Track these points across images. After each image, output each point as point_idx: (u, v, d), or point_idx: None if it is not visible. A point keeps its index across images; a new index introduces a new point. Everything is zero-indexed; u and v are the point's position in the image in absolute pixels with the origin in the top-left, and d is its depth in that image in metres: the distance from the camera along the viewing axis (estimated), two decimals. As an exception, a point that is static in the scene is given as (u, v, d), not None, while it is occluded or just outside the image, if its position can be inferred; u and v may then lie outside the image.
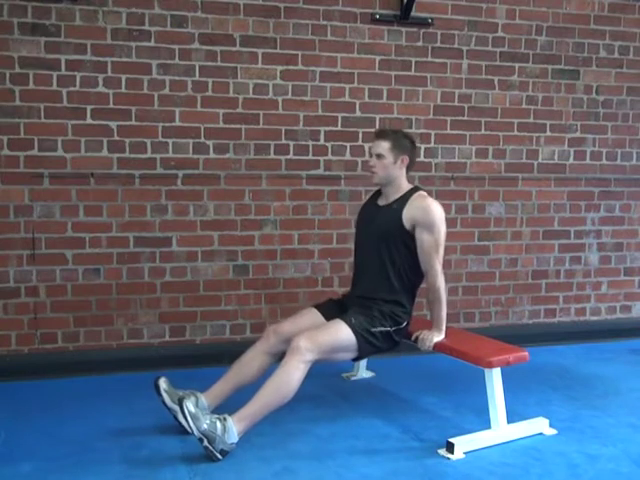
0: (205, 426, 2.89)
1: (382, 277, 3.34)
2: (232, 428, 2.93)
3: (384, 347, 3.35)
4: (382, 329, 3.28)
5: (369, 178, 3.48)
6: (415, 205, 3.31)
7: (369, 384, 4.01)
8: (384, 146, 3.35)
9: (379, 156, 3.35)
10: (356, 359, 3.46)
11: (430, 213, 3.28)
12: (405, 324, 3.38)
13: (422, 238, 3.28)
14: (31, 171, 4.05)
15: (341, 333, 3.19)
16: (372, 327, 3.25)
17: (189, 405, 2.92)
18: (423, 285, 3.46)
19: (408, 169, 3.42)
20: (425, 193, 3.42)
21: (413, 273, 3.39)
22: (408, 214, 3.30)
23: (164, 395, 3.20)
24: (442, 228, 3.30)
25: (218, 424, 2.91)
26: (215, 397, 3.26)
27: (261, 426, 3.06)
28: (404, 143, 3.39)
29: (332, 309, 3.45)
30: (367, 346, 3.25)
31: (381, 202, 3.47)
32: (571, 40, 4.91)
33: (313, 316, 3.45)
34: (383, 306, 3.31)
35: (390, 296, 3.33)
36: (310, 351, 3.07)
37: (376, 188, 3.57)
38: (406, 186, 3.42)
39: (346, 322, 3.22)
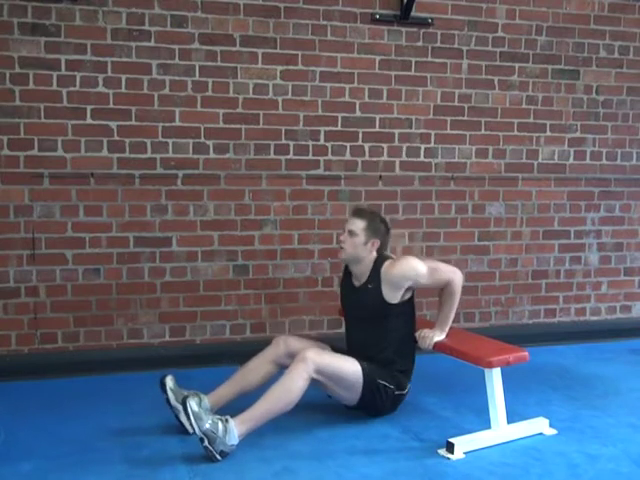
0: (207, 426, 2.89)
1: (379, 354, 3.33)
2: (233, 430, 2.93)
3: (382, 404, 3.33)
4: (387, 385, 3.28)
5: (337, 252, 3.47)
6: (392, 278, 3.29)
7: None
8: (358, 225, 3.34)
9: (351, 233, 3.34)
10: (353, 407, 3.37)
11: (410, 272, 3.28)
12: (405, 392, 3.39)
13: (423, 284, 3.32)
14: (31, 171, 4.05)
15: (350, 367, 3.21)
16: (379, 378, 3.26)
17: (193, 404, 2.92)
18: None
19: (378, 252, 3.39)
20: (389, 260, 3.37)
21: (408, 333, 3.41)
22: (391, 289, 3.30)
23: (169, 393, 3.20)
24: (423, 265, 3.29)
25: (220, 425, 2.91)
26: (218, 399, 3.27)
27: (261, 427, 3.05)
28: (379, 227, 3.38)
29: (344, 354, 3.42)
30: (369, 393, 3.24)
31: (355, 282, 3.46)
32: (571, 40, 4.91)
33: (325, 346, 3.46)
34: (388, 372, 3.31)
35: (392, 366, 3.34)
36: (315, 364, 3.08)
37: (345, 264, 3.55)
38: (372, 260, 3.37)
39: (358, 362, 3.24)
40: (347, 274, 3.55)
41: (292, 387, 3.04)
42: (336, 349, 3.46)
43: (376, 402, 3.30)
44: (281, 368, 3.31)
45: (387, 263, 3.35)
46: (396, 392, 3.33)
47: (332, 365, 3.16)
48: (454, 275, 3.31)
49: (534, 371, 4.12)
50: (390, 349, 3.34)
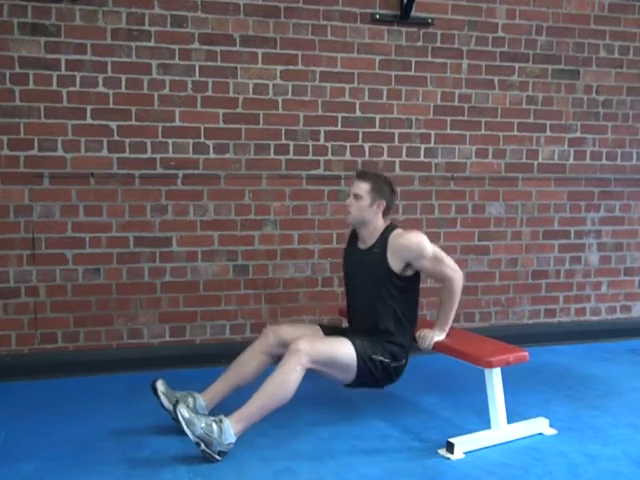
0: (200, 430, 2.88)
1: (378, 323, 3.31)
2: (229, 429, 2.92)
3: (380, 378, 3.30)
4: (382, 359, 3.26)
5: (344, 217, 3.46)
6: (397, 247, 3.27)
7: (369, 384, 4.00)
8: (363, 188, 3.32)
9: (357, 196, 3.33)
10: (350, 385, 3.35)
11: (414, 245, 3.26)
12: (403, 362, 3.37)
13: (423, 266, 3.28)
14: (31, 171, 4.05)
15: (343, 349, 3.18)
16: (373, 354, 3.23)
17: (183, 411, 2.91)
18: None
19: (384, 214, 3.38)
20: (400, 229, 3.37)
21: (409, 312, 3.38)
22: (394, 257, 3.27)
23: (162, 397, 3.20)
24: (430, 246, 3.28)
25: (214, 426, 2.90)
26: (213, 397, 3.27)
27: (261, 426, 3.06)
28: (384, 188, 3.36)
29: (335, 332, 3.42)
30: (365, 371, 3.22)
31: (361, 246, 3.44)
32: (571, 40, 4.91)
33: (314, 329, 3.46)
34: (384, 344, 3.29)
35: (388, 338, 3.31)
36: (308, 355, 3.05)
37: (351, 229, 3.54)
38: (381, 226, 3.37)
39: (350, 341, 3.22)
40: (353, 238, 3.53)
41: (286, 380, 3.01)
42: (326, 328, 3.45)
43: (374, 376, 3.27)
44: (273, 358, 3.29)
45: (396, 232, 3.34)
46: (393, 364, 3.30)
47: (325, 352, 3.12)
48: (454, 274, 3.30)
49: (534, 371, 4.13)
50: (390, 321, 3.30)
